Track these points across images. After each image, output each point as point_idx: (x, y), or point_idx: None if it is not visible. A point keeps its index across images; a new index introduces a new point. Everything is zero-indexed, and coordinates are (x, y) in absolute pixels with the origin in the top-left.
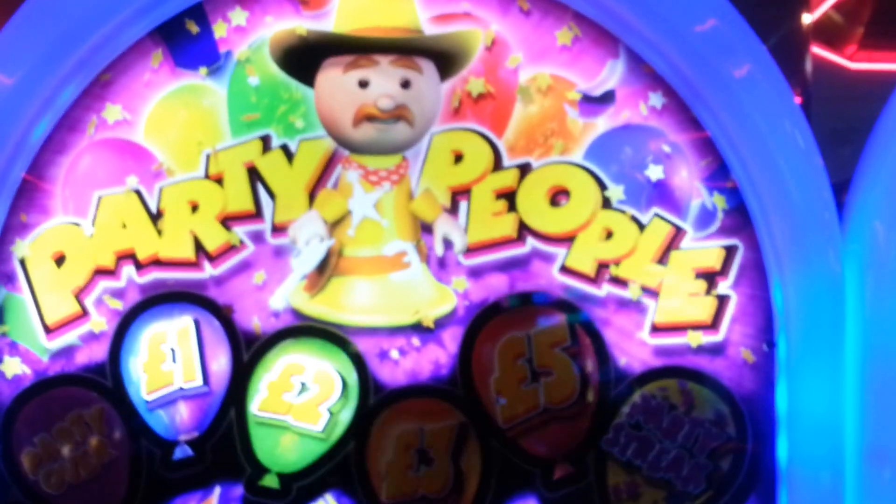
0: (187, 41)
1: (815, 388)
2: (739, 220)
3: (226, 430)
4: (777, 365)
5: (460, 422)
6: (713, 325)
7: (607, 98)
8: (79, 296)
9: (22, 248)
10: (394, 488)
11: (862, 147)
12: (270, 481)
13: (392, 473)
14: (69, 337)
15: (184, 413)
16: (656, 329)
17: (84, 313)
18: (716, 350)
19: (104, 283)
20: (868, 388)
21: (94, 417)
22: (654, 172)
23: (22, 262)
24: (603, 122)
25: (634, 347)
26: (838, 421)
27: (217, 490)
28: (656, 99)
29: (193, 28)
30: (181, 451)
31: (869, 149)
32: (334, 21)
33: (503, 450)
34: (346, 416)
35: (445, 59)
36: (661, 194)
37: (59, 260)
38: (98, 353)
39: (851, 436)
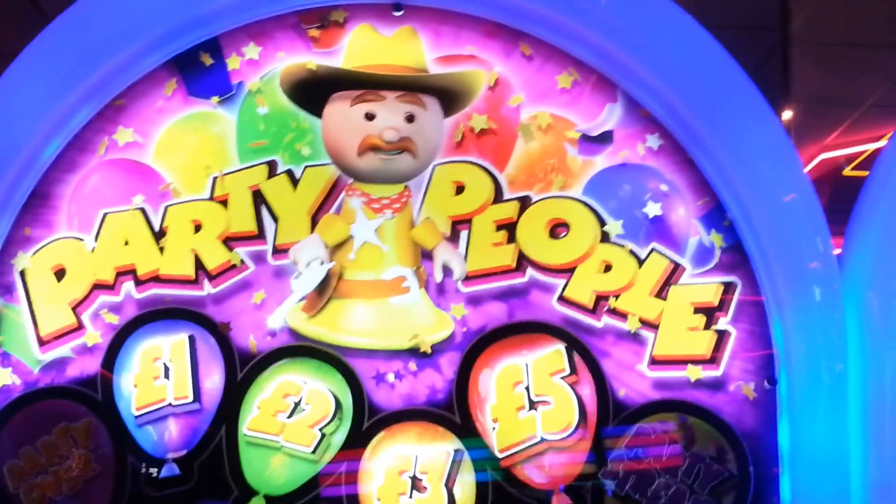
0: (201, 72)
1: (818, 425)
2: (737, 257)
3: (215, 449)
4: (778, 402)
5: (455, 448)
6: (713, 359)
7: (605, 138)
8: (76, 309)
9: (23, 260)
10: None
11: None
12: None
13: (383, 500)
14: (62, 349)
15: (173, 430)
16: (655, 362)
17: (80, 326)
18: (716, 385)
19: (103, 298)
20: (871, 425)
21: (81, 431)
22: (652, 210)
23: (22, 274)
24: (601, 161)
25: (633, 379)
26: (842, 458)
27: None
28: (653, 140)
29: (207, 60)
30: (168, 470)
31: (854, 220)
32: (343, 58)
33: (499, 479)
34: (339, 438)
35: (449, 97)
36: (659, 230)
37: (60, 273)
38: (90, 366)
39: (856, 473)
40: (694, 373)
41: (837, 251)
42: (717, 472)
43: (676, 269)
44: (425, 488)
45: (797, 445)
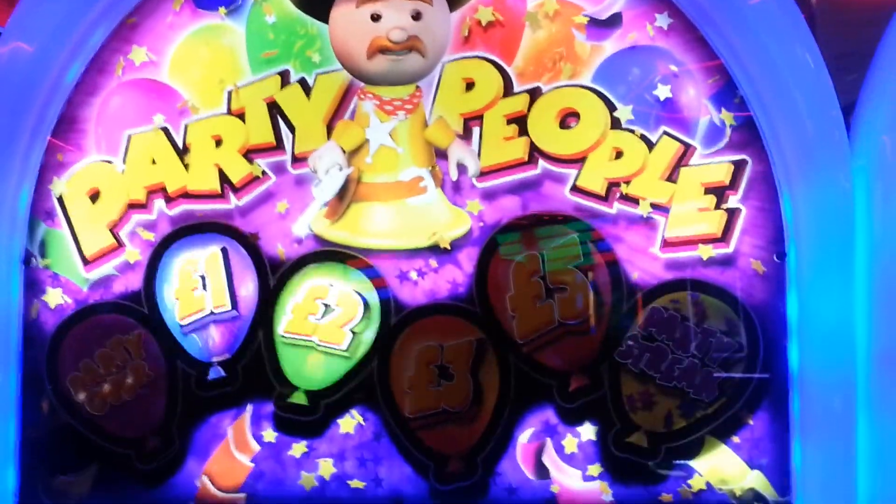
0: None
1: (826, 296)
2: (748, 135)
3: (255, 352)
4: (787, 275)
5: (478, 338)
6: (723, 237)
7: (614, 21)
8: (113, 229)
9: (59, 185)
10: (416, 403)
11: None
12: (299, 398)
13: (414, 389)
14: (106, 268)
15: (215, 336)
16: (667, 244)
17: (119, 245)
18: (726, 262)
19: (137, 217)
20: (878, 295)
21: (133, 342)
22: (662, 92)
23: (60, 200)
24: (610, 45)
25: (646, 262)
26: (849, 327)
27: (249, 408)
28: (663, 20)
29: None
30: (214, 373)
31: (875, 65)
32: None
33: (520, 364)
34: (368, 335)
35: None
36: (670, 113)
37: (94, 196)
38: (134, 282)
39: (862, 341)
40: (705, 252)
41: None
42: (728, 346)
43: (687, 150)
44: (452, 375)
45: (805, 316)
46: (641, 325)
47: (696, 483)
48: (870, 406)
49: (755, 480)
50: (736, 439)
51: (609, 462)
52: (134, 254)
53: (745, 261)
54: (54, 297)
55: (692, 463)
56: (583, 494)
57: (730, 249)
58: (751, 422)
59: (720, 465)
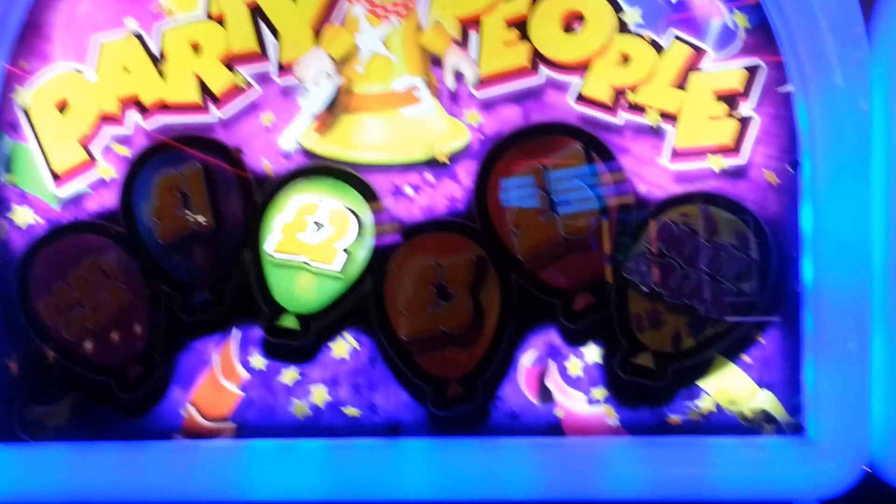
0: None
1: (841, 208)
2: (762, 38)
3: (241, 273)
4: (802, 185)
5: (478, 256)
6: (735, 147)
7: None
8: (85, 143)
9: (24, 95)
10: (413, 325)
11: None
12: (289, 322)
13: (411, 310)
14: (78, 185)
15: (199, 257)
16: (676, 154)
17: (91, 160)
18: (738, 173)
19: (110, 130)
20: (895, 205)
21: (110, 264)
22: None
23: (25, 111)
24: None
25: (654, 174)
26: (865, 241)
27: (236, 332)
28: None
29: None
30: (198, 296)
31: None
32: None
33: (522, 283)
34: (362, 254)
35: None
36: (680, 15)
37: (63, 107)
38: (109, 200)
39: (879, 256)
40: (716, 162)
41: None
42: (740, 261)
43: (698, 54)
44: (451, 296)
45: (820, 228)
46: (649, 240)
47: (705, 404)
48: (885, 323)
49: (765, 401)
50: (746, 358)
51: (615, 385)
52: (108, 170)
53: (758, 172)
54: (23, 215)
55: (701, 383)
56: (588, 419)
57: (742, 160)
58: (762, 340)
59: (730, 386)
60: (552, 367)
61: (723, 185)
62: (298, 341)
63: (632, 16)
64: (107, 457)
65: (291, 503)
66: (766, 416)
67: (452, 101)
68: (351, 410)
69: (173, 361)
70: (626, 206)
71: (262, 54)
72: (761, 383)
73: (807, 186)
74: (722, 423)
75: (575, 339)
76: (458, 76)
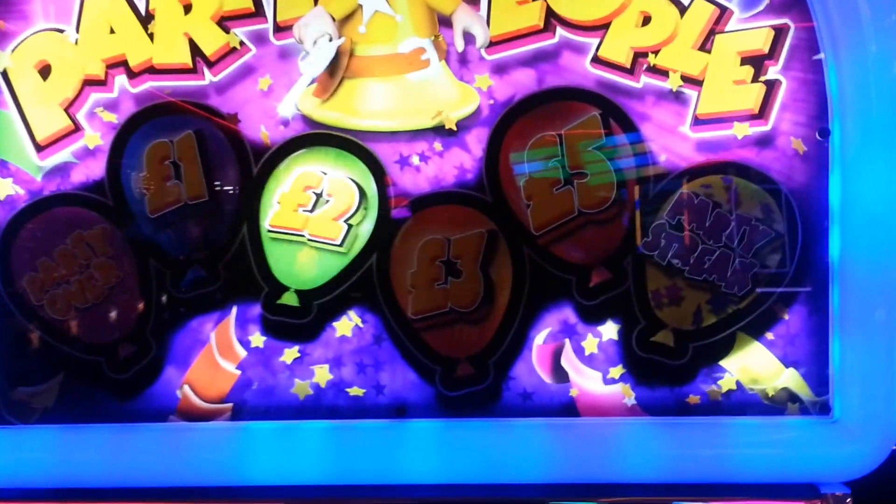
0: None
1: (871, 178)
2: None
3: (238, 248)
4: (830, 155)
5: (489, 229)
6: (761, 113)
7: None
8: (69, 109)
9: (3, 59)
10: (420, 302)
11: None
12: (289, 299)
13: (418, 287)
14: (63, 154)
15: (192, 231)
16: (699, 121)
17: (76, 128)
18: (764, 141)
19: (95, 95)
20: None
21: (97, 238)
22: None
23: (4, 75)
24: None
25: (675, 142)
26: (895, 212)
27: (234, 310)
28: None
29: None
30: (192, 272)
31: None
32: None
33: (536, 258)
34: (366, 228)
35: None
36: None
37: (45, 71)
38: (95, 170)
39: None
40: (741, 130)
41: None
42: (764, 234)
43: (722, 14)
44: (460, 272)
45: (848, 200)
46: (669, 212)
47: (726, 383)
48: None
49: (790, 380)
50: (770, 336)
51: (632, 363)
52: (94, 138)
53: (785, 139)
54: (4, 187)
55: (722, 362)
56: (604, 398)
57: (768, 127)
58: (786, 317)
59: (752, 364)
60: (567, 345)
61: (748, 154)
62: (299, 319)
63: None
64: (97, 439)
65: (292, 487)
66: (791, 396)
67: (461, 63)
68: (355, 391)
69: (167, 340)
70: (645, 178)
71: (258, 13)
72: (786, 361)
73: (835, 155)
74: (744, 403)
75: (591, 317)
76: (468, 37)
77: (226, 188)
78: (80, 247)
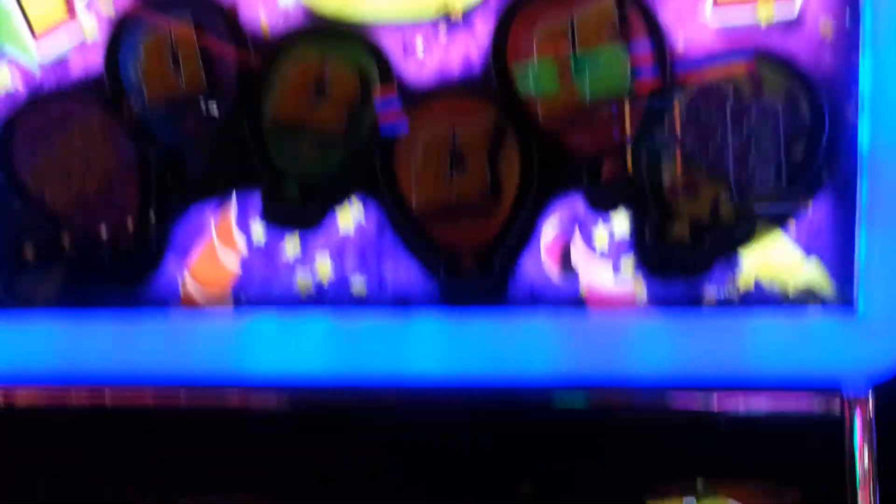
0: None
1: None
2: None
3: (239, 138)
4: (861, 38)
5: (496, 120)
6: None
7: None
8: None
9: None
10: (425, 194)
11: None
12: (290, 188)
13: (422, 179)
14: (60, 46)
15: (192, 122)
16: (718, 5)
17: (73, 18)
18: (789, 25)
19: None
20: None
21: (96, 128)
22: None
23: None
24: None
25: (694, 28)
26: None
27: (234, 200)
28: None
29: None
30: (193, 161)
31: None
32: None
33: (545, 148)
34: (368, 118)
35: None
36: None
37: None
38: (94, 64)
39: None
40: (765, 12)
41: None
42: (789, 125)
43: None
44: (467, 163)
45: (880, 88)
46: (688, 101)
47: (745, 276)
48: None
49: (812, 273)
50: (792, 228)
51: (645, 255)
52: (91, 30)
53: (813, 22)
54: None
55: (741, 255)
56: (614, 293)
57: (794, 9)
58: (810, 209)
59: (772, 257)
60: (577, 237)
61: (771, 39)
62: (301, 208)
63: None
64: (98, 326)
65: (293, 376)
66: (812, 290)
67: None
68: (357, 282)
69: (168, 228)
70: (662, 66)
71: None
72: (808, 253)
73: (867, 39)
74: (762, 297)
75: (602, 208)
76: None
77: (225, 79)
78: (80, 137)
